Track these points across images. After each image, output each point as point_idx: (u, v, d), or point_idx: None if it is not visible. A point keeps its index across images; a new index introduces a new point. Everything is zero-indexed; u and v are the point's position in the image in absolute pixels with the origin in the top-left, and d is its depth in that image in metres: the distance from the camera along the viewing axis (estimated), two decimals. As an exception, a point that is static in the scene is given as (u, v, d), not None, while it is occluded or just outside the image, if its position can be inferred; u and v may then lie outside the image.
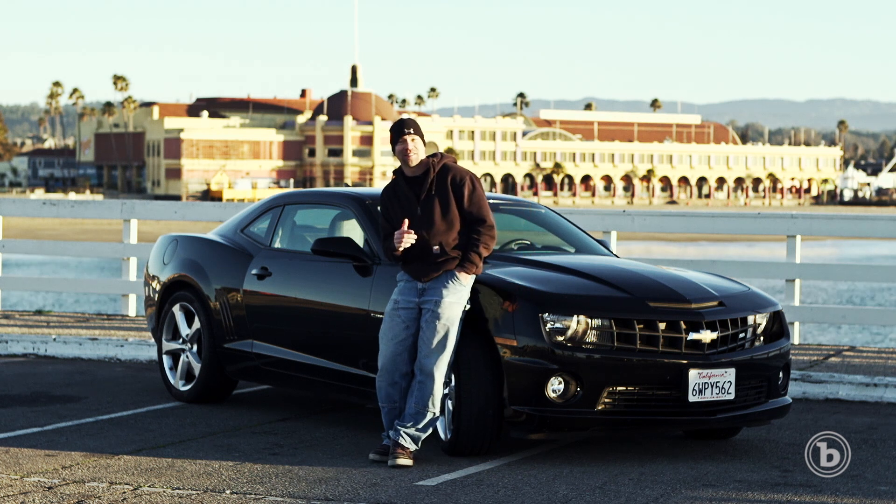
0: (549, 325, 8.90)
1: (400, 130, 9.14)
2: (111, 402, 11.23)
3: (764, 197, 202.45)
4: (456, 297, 9.00)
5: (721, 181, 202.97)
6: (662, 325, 9.04)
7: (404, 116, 9.29)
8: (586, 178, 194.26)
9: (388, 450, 8.98)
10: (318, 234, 10.82)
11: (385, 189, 9.29)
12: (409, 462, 8.90)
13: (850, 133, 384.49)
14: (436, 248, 9.02)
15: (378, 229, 10.06)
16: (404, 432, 8.95)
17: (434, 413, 9.00)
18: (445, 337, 8.94)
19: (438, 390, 8.98)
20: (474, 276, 9.10)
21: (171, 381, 11.39)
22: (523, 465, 8.95)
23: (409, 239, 8.98)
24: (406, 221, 9.07)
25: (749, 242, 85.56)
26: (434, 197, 9.07)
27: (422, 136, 9.20)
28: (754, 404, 9.42)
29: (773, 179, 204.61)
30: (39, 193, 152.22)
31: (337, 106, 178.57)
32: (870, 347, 16.08)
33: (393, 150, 9.19)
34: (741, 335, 9.36)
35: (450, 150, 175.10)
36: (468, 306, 9.09)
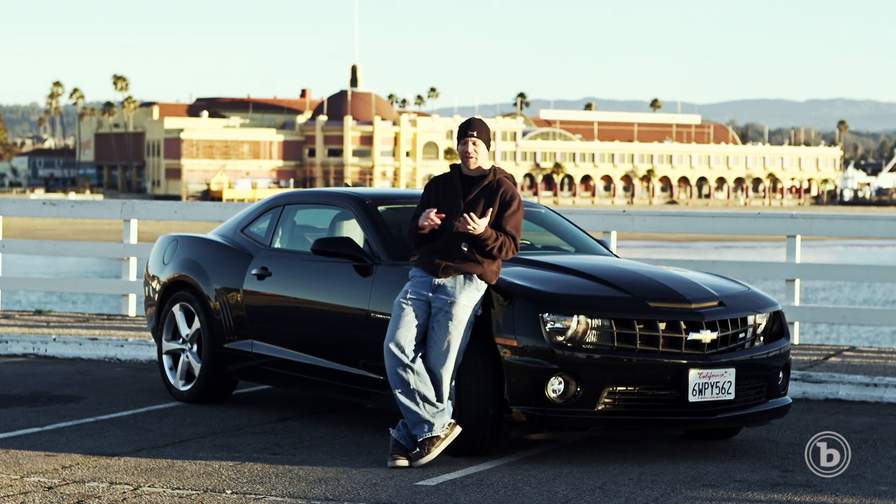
0: (549, 325, 8.90)
1: (464, 132, 9.12)
2: (111, 402, 11.23)
3: (764, 197, 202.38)
4: (470, 301, 8.98)
5: (721, 181, 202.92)
6: (662, 325, 9.04)
7: (473, 117, 9.24)
8: (586, 178, 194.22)
9: (407, 451, 8.90)
10: (318, 234, 10.82)
11: (436, 178, 9.30)
12: (405, 463, 8.89)
13: (850, 133, 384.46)
14: (464, 247, 9.00)
15: (378, 229, 10.07)
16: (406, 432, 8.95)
17: (439, 414, 9.00)
18: (456, 339, 8.91)
19: (445, 391, 8.98)
20: (486, 284, 9.07)
21: (171, 381, 11.39)
22: (523, 465, 8.95)
23: (434, 220, 8.96)
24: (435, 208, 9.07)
25: (749, 243, 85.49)
26: (481, 199, 9.07)
27: (486, 142, 9.15)
28: (754, 404, 9.42)
29: (773, 179, 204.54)
30: (39, 193, 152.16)
31: (337, 106, 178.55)
32: (870, 347, 16.07)
33: (457, 146, 9.18)
34: (741, 335, 9.36)
35: (450, 151, 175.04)
36: (480, 311, 9.09)
